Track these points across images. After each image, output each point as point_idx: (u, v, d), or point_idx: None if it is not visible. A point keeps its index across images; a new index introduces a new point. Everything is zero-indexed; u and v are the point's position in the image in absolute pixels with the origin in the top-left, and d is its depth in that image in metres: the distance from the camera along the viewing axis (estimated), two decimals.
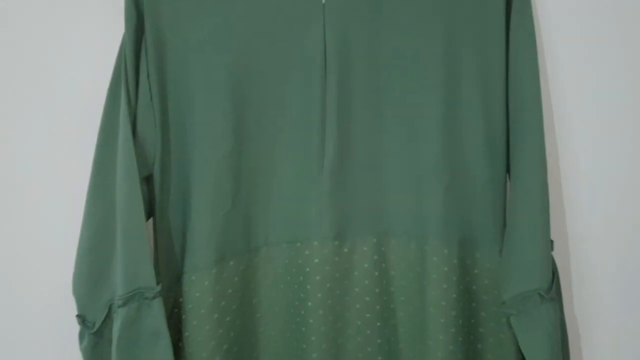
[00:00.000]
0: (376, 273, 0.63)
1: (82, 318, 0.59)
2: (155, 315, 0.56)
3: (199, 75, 0.58)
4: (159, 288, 0.56)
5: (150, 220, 0.62)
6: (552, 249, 0.62)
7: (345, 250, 0.62)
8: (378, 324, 0.63)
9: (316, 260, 0.61)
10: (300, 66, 0.59)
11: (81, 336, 0.60)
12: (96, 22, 0.64)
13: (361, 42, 0.59)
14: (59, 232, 0.66)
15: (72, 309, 0.60)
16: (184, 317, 0.60)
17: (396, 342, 0.63)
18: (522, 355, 0.59)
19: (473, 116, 0.59)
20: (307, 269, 0.61)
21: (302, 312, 0.62)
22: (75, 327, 0.60)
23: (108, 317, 0.58)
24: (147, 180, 0.59)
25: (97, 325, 0.58)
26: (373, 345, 0.64)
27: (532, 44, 0.59)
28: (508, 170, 0.62)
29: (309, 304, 0.61)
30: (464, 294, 0.62)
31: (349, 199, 0.61)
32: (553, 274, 0.60)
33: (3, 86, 0.65)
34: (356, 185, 0.61)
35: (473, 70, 0.58)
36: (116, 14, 0.59)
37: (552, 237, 0.62)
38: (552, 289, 0.58)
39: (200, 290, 0.59)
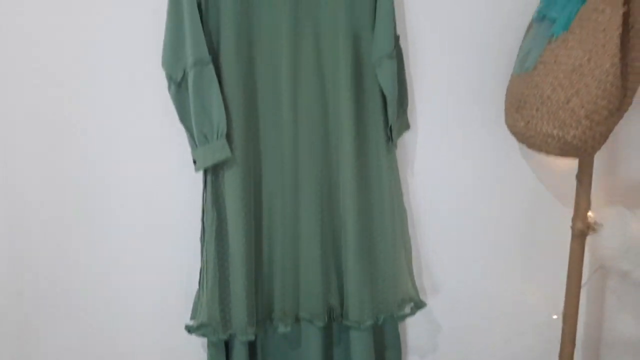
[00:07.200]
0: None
1: (170, 76, 1.19)
2: (209, 71, 1.18)
3: None
4: (210, 58, 1.17)
5: None
6: (399, 39, 1.27)
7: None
8: (315, 75, 1.25)
9: (285, 53, 1.22)
10: None
11: (169, 87, 1.20)
12: None
13: None
14: None
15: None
16: (221, 72, 1.20)
17: (324, 81, 1.25)
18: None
19: None
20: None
21: (282, 73, 1.24)
22: None
23: (184, 76, 1.19)
24: (198, 6, 1.16)
25: (178, 79, 1.19)
26: (315, 88, 1.25)
27: None
28: None
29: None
30: (357, 55, 1.24)
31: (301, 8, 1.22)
32: (394, 48, 1.24)
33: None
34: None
35: None
36: None
37: None
38: (393, 53, 1.22)
39: (228, 58, 1.20)
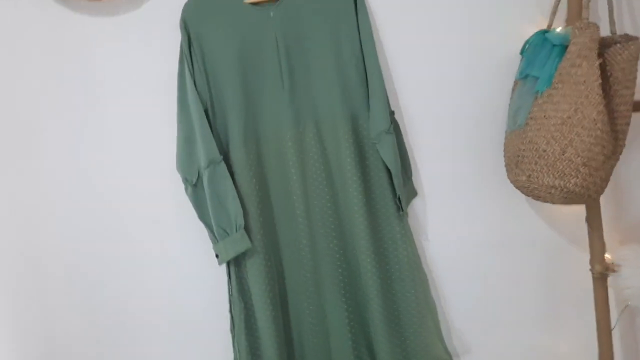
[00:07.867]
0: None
1: (185, 179, 1.27)
2: (222, 169, 1.25)
3: (220, 59, 1.24)
4: (221, 157, 1.25)
5: None
6: (394, 114, 1.34)
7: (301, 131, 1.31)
8: (320, 159, 1.31)
9: (289, 143, 1.29)
10: (267, 46, 1.26)
11: (186, 188, 1.28)
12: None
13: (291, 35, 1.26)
14: None
15: None
16: (233, 168, 1.27)
17: (329, 164, 1.31)
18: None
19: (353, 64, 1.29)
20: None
21: (289, 162, 1.30)
22: None
23: (199, 177, 1.26)
24: (205, 112, 1.25)
25: (194, 181, 1.26)
26: (321, 172, 1.31)
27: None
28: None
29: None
30: (356, 135, 1.31)
31: (298, 99, 1.29)
32: (391, 123, 1.31)
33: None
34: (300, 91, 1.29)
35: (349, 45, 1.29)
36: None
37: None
38: (390, 129, 1.29)
39: (238, 155, 1.27)
